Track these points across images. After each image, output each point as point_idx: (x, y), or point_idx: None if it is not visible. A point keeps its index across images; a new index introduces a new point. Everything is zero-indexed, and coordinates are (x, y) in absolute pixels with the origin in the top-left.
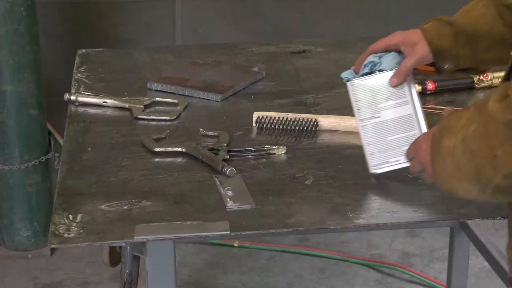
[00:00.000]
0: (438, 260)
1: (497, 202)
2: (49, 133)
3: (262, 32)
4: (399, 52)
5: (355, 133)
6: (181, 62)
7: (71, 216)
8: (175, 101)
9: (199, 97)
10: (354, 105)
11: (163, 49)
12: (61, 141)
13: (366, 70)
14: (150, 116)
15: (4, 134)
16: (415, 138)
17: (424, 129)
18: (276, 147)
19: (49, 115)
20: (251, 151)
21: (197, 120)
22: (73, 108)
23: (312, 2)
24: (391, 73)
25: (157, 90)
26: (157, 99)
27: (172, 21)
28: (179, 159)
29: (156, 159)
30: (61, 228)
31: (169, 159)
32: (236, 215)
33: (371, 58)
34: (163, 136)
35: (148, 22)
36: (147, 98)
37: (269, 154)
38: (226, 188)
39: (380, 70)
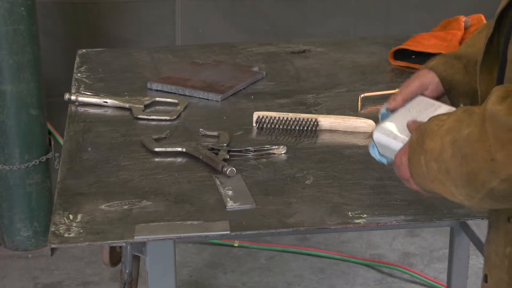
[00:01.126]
0: (438, 260)
1: (482, 208)
2: (49, 133)
3: (262, 32)
4: None
5: (355, 133)
6: (181, 62)
7: (71, 216)
8: (175, 101)
9: (199, 97)
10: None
11: (163, 49)
12: (61, 141)
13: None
14: (150, 116)
15: (4, 134)
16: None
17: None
18: (276, 147)
19: (49, 115)
20: (251, 151)
21: (197, 120)
22: (73, 108)
23: (312, 2)
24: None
25: (157, 90)
26: (157, 99)
27: (172, 21)
28: (179, 159)
29: (156, 159)
30: (61, 228)
31: (169, 159)
32: (236, 215)
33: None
34: (163, 136)
35: (148, 22)
36: (147, 98)
37: (269, 154)
38: (226, 188)
39: None
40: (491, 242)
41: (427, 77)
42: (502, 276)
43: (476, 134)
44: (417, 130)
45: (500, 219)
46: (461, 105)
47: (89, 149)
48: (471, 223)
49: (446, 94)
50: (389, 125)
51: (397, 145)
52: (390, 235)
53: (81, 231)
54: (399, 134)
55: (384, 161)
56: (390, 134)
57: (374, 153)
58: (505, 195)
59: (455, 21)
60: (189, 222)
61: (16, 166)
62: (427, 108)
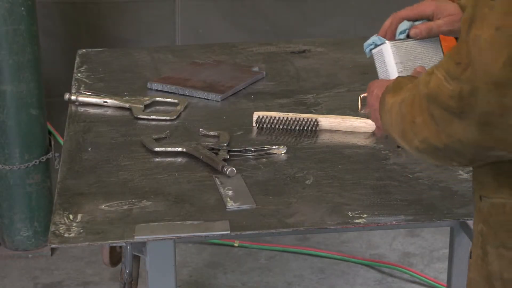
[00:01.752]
0: (438, 260)
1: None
2: (49, 133)
3: (262, 32)
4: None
5: (355, 133)
6: (181, 62)
7: (71, 216)
8: (175, 101)
9: (199, 97)
10: (394, 67)
11: (163, 49)
12: (61, 141)
13: (402, 36)
14: (150, 116)
15: (4, 134)
16: None
17: None
18: (276, 147)
19: (49, 115)
20: (251, 151)
21: (197, 120)
22: (73, 108)
23: (312, 2)
24: (431, 40)
25: (157, 90)
26: (157, 99)
27: (172, 21)
28: (179, 159)
29: (156, 159)
30: (61, 228)
31: (169, 159)
32: (236, 215)
33: (407, 25)
34: (163, 136)
35: (148, 22)
36: (147, 98)
37: (269, 154)
38: (226, 188)
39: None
40: (474, 221)
41: (452, 6)
42: (478, 252)
43: (410, 98)
44: (392, 81)
45: (475, 198)
46: None
47: (89, 149)
48: (471, 223)
49: None
50: (404, 52)
51: (391, 70)
52: (390, 235)
53: (81, 231)
54: (399, 67)
55: (367, 52)
56: (396, 59)
57: (367, 46)
58: (427, 153)
59: None
60: (189, 222)
61: (16, 166)
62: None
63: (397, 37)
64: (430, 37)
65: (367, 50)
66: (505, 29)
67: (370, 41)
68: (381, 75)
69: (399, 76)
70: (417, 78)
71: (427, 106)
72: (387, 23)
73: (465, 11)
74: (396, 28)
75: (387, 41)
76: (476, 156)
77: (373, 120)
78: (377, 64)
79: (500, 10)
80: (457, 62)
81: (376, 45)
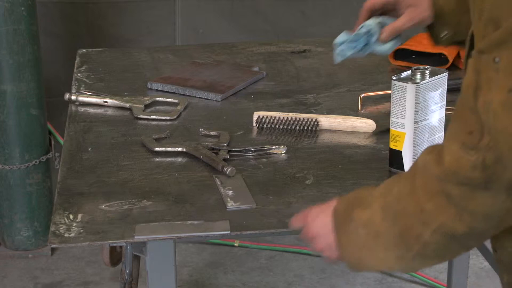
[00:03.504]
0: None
1: (409, 271)
2: (50, 133)
3: (262, 32)
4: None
5: (356, 133)
6: (181, 61)
7: (71, 216)
8: (176, 100)
9: (199, 97)
10: (412, 107)
11: (163, 48)
12: (61, 140)
13: (361, 44)
14: (150, 115)
15: (4, 134)
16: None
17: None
18: (277, 146)
19: (50, 115)
20: (252, 151)
21: (198, 120)
22: (73, 108)
23: (312, 2)
24: (445, 75)
25: (157, 90)
26: (157, 98)
27: (172, 21)
28: (179, 159)
29: (157, 159)
30: (61, 228)
31: (169, 159)
32: (236, 215)
33: (343, 37)
34: (164, 135)
35: (148, 22)
36: (148, 98)
37: (270, 154)
38: (226, 188)
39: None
40: (498, 273)
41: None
42: None
43: (407, 188)
44: (343, 200)
45: (492, 251)
46: (444, 34)
47: (89, 149)
48: None
49: (434, 19)
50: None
51: (409, 108)
52: None
53: (81, 231)
54: (417, 107)
55: (338, 52)
56: (416, 100)
57: (338, 44)
58: (436, 248)
59: None
60: (189, 222)
61: (17, 166)
62: None
63: (336, 50)
64: (398, 34)
65: (338, 50)
66: None
67: (339, 38)
68: (395, 109)
69: (355, 190)
70: (386, 182)
71: (440, 187)
72: (362, 15)
73: (465, 76)
74: (367, 17)
75: (410, 83)
76: (500, 227)
77: (319, 250)
78: (395, 97)
79: (508, 71)
80: (469, 132)
81: (345, 43)
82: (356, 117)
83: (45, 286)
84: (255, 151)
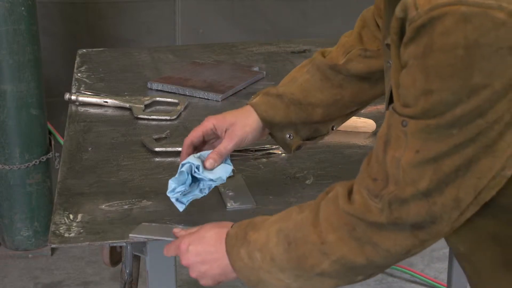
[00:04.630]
0: (438, 259)
1: None
2: (50, 132)
3: (262, 32)
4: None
5: (356, 133)
6: (182, 61)
7: (71, 216)
8: (176, 100)
9: (199, 97)
10: None
11: (163, 48)
12: (61, 140)
13: (189, 181)
14: (150, 115)
15: (4, 134)
16: None
17: None
18: (277, 146)
19: (50, 115)
20: (252, 151)
21: (198, 120)
22: (73, 107)
23: (312, 2)
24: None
25: (157, 90)
26: (157, 98)
27: (172, 21)
28: (179, 159)
29: (157, 159)
30: (61, 228)
31: (169, 159)
32: (236, 215)
33: (189, 159)
34: (164, 135)
35: (148, 22)
36: (148, 98)
37: (270, 153)
38: (226, 188)
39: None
40: None
41: (230, 115)
42: None
43: (310, 219)
44: (235, 226)
45: None
46: (288, 136)
47: (90, 149)
48: None
49: (269, 129)
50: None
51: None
52: None
53: (81, 231)
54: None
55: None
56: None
57: (173, 193)
58: (334, 276)
59: None
60: (181, 226)
61: (17, 166)
62: None
63: (173, 200)
64: (223, 159)
65: (174, 200)
66: (424, 151)
67: (169, 188)
68: None
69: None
70: (298, 206)
71: (346, 220)
72: (183, 152)
73: (381, 126)
74: (191, 153)
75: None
76: (397, 263)
77: (197, 277)
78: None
79: (415, 136)
80: (374, 178)
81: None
82: (356, 117)
83: (45, 286)
84: (255, 151)
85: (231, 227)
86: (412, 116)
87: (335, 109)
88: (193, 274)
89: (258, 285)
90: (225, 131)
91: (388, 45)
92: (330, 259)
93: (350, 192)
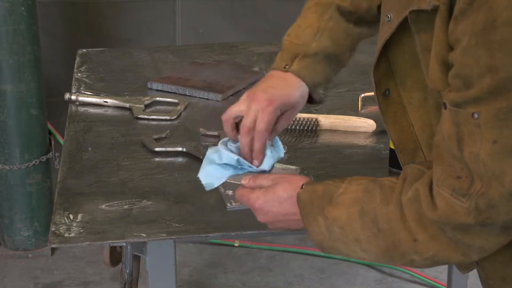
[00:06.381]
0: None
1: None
2: (50, 132)
3: (263, 32)
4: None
5: (356, 133)
6: (182, 61)
7: (71, 216)
8: (176, 100)
9: (199, 97)
10: None
11: (163, 48)
12: (61, 140)
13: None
14: (150, 115)
15: (4, 134)
16: None
17: None
18: None
19: (50, 114)
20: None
21: (198, 120)
22: (73, 107)
23: None
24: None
25: (157, 90)
26: (157, 98)
27: (172, 21)
28: (179, 159)
29: (157, 159)
30: (61, 228)
31: (169, 159)
32: (236, 215)
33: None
34: (164, 135)
35: (148, 22)
36: (148, 98)
37: None
38: (226, 188)
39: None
40: None
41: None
42: None
43: (397, 215)
44: (307, 190)
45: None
46: (321, 92)
47: (90, 149)
48: None
49: (311, 91)
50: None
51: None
52: None
53: (82, 231)
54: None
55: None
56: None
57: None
58: (424, 267)
59: None
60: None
61: (17, 166)
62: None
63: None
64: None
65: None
66: (502, 140)
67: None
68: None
69: (319, 183)
70: (375, 181)
71: (435, 225)
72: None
73: (443, 126)
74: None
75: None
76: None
77: (271, 226)
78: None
79: (489, 125)
80: (457, 177)
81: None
82: (356, 117)
83: (45, 286)
84: None
85: (302, 187)
86: (479, 98)
87: (356, 46)
88: (270, 226)
89: (330, 250)
90: (284, 112)
91: (414, 11)
92: (422, 256)
93: (431, 192)
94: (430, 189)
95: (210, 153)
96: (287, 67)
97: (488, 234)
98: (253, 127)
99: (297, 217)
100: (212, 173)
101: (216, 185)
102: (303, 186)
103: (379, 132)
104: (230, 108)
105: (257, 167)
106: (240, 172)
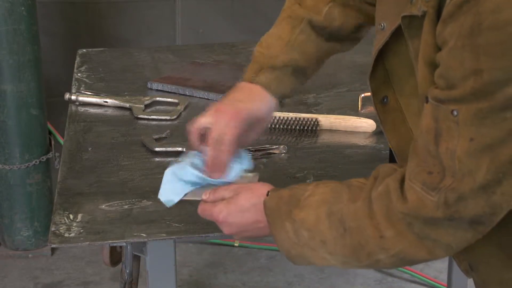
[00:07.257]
0: (438, 259)
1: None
2: (50, 132)
3: (262, 32)
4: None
5: (356, 133)
6: (182, 61)
7: (71, 216)
8: (176, 100)
9: (199, 97)
10: None
11: (163, 48)
12: (61, 140)
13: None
14: (150, 115)
15: (4, 134)
16: None
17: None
18: (277, 146)
19: (50, 114)
20: (252, 151)
21: None
22: (73, 107)
23: None
24: None
25: (157, 90)
26: (157, 98)
27: (172, 21)
28: (179, 159)
29: (157, 159)
30: (61, 228)
31: (169, 159)
32: None
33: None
34: (164, 135)
35: (148, 22)
36: (148, 98)
37: (270, 153)
38: None
39: None
40: None
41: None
42: None
43: (365, 211)
44: (273, 196)
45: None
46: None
47: (90, 149)
48: None
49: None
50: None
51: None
52: None
53: (82, 231)
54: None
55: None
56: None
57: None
58: (389, 265)
59: None
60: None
61: (17, 166)
62: None
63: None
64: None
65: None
66: (479, 138)
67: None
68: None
69: (286, 188)
70: (329, 184)
71: (402, 219)
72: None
73: (423, 120)
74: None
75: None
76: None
77: (237, 237)
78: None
79: (468, 123)
80: (429, 172)
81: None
82: (356, 117)
83: (45, 286)
84: (255, 151)
85: (267, 194)
86: (461, 98)
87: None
88: (236, 237)
89: (298, 259)
90: (252, 125)
91: (407, 17)
92: (388, 253)
93: (401, 186)
94: (401, 184)
95: (171, 170)
96: (254, 77)
97: (455, 229)
98: (220, 140)
99: (263, 224)
100: (172, 188)
101: (176, 201)
102: (269, 193)
103: (379, 132)
104: (198, 119)
105: (220, 179)
106: (201, 185)
